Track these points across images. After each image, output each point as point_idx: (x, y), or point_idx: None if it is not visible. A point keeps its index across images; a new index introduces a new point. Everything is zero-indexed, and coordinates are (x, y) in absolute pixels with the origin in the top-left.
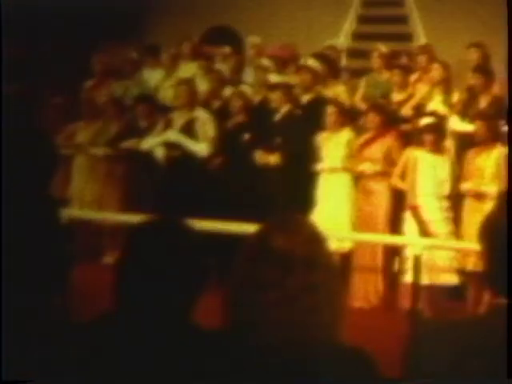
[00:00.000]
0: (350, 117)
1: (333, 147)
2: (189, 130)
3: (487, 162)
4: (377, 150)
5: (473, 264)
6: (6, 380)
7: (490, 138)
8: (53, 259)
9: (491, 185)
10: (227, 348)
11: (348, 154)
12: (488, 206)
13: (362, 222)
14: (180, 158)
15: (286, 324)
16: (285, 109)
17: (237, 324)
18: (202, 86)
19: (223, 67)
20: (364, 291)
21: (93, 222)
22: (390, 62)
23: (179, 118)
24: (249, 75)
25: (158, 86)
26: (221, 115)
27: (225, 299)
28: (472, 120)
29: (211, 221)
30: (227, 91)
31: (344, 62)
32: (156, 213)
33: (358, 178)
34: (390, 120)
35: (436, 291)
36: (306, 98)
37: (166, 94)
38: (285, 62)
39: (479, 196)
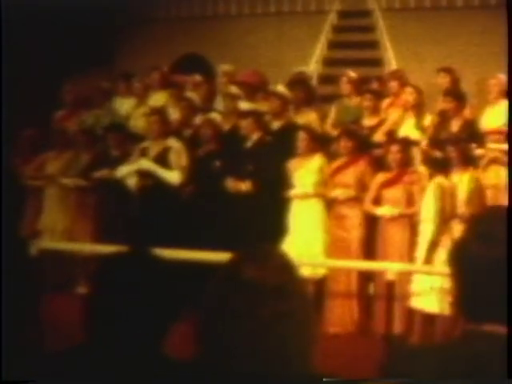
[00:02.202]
0: (321, 143)
1: (304, 173)
2: (162, 159)
3: (459, 186)
4: (349, 175)
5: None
6: (5, 380)
7: (461, 162)
8: (24, 291)
9: (463, 208)
10: (200, 378)
11: (320, 179)
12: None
13: (335, 248)
14: (152, 187)
15: (260, 353)
16: (255, 136)
17: (209, 353)
18: (174, 114)
19: (194, 95)
20: (339, 317)
21: (64, 253)
22: (360, 87)
23: (153, 148)
24: (219, 103)
25: (129, 115)
26: (192, 143)
27: (197, 329)
28: (444, 144)
29: (184, 250)
30: (198, 119)
31: (315, 88)
32: (128, 243)
33: (331, 204)
34: (362, 145)
35: (412, 316)
36: (276, 125)
37: (138, 123)
38: (254, 88)
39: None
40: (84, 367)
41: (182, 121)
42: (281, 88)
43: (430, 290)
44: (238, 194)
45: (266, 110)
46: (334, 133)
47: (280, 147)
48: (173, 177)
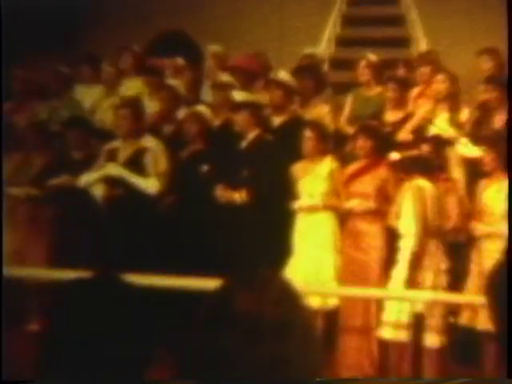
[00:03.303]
0: (333, 143)
1: (312, 181)
2: (136, 162)
3: (498, 196)
4: (368, 183)
5: (484, 321)
6: (5, 380)
7: (501, 167)
8: None
9: (501, 224)
10: None
11: (331, 188)
12: (497, 251)
13: (350, 273)
14: (124, 198)
15: None
16: (252, 134)
17: None
18: (151, 107)
19: (176, 83)
20: (355, 358)
21: (13, 280)
22: (382, 73)
23: (125, 148)
24: (208, 93)
25: (94, 107)
26: (174, 143)
27: (177, 372)
28: (483, 144)
29: (163, 276)
30: (181, 113)
31: (326, 74)
32: (93, 267)
33: (345, 219)
34: (384, 146)
35: (443, 353)
36: (278, 121)
37: (106, 117)
38: (252, 75)
39: (489, 238)
40: None
41: (162, 115)
42: (284, 75)
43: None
44: (231, 205)
45: (266, 102)
46: (350, 130)
47: (282, 148)
48: (149, 185)
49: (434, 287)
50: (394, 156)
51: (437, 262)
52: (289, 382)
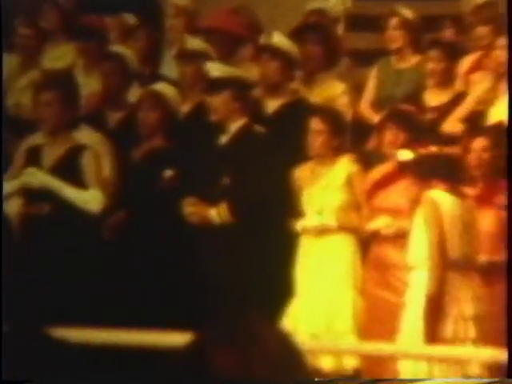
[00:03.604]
0: (351, 136)
1: (323, 191)
2: (69, 167)
3: None
4: (399, 194)
5: None
6: (5, 380)
7: None
8: None
9: None
10: None
11: (349, 201)
12: None
13: (374, 321)
14: (50, 218)
15: None
16: (236, 124)
17: None
18: (88, 85)
19: (125, 51)
20: None
21: None
22: (420, 36)
23: (51, 148)
24: (171, 65)
25: (5, 86)
26: (123, 138)
27: None
28: None
29: (106, 329)
30: (133, 94)
31: (340, 38)
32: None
33: (368, 244)
34: (423, 140)
35: None
36: (272, 106)
37: (22, 100)
38: (234, 40)
39: None
40: None
41: (104, 97)
42: (280, 39)
43: None
44: (205, 227)
45: (255, 79)
46: (374, 118)
47: (279, 145)
48: (88, 199)
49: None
50: (403, 155)
51: (462, 307)
52: (288, 381)
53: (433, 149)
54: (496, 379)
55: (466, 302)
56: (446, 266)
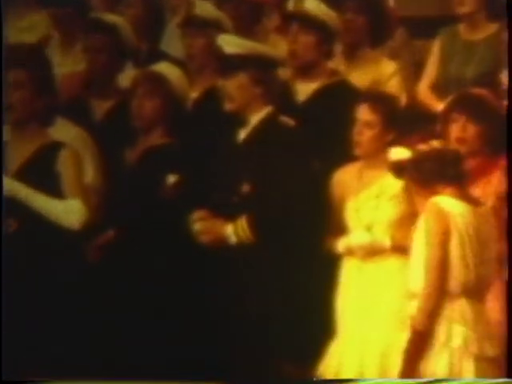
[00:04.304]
0: (407, 129)
1: (372, 200)
2: (42, 170)
3: None
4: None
5: None
6: (5, 380)
7: None
8: None
9: None
10: None
11: (406, 214)
12: None
13: None
14: (19, 236)
15: None
16: (258, 116)
17: None
18: (64, 65)
19: (116, 20)
20: None
21: None
22: None
23: (18, 145)
24: (175, 39)
25: None
26: (112, 133)
27: None
28: None
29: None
30: (127, 76)
31: (391, 3)
32: None
33: None
34: (503, 135)
35: None
36: (305, 91)
37: None
38: (256, 7)
39: None
40: None
41: (88, 80)
42: (315, 5)
43: None
44: (219, 247)
45: (282, 57)
46: (437, 105)
47: (314, 141)
48: (67, 212)
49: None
50: (397, 154)
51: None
52: (287, 381)
53: (435, 144)
54: (496, 379)
55: (480, 339)
56: (445, 294)
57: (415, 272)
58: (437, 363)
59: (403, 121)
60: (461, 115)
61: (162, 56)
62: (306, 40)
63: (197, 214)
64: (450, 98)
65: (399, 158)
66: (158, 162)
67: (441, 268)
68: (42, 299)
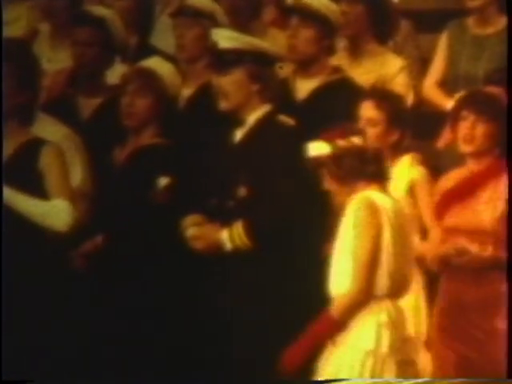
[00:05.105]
0: (413, 129)
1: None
2: (24, 169)
3: None
4: (482, 209)
5: None
6: (5, 380)
7: None
8: None
9: None
10: None
11: (413, 218)
12: None
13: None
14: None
15: None
16: (256, 114)
17: None
18: (51, 60)
19: (104, 13)
20: None
21: None
22: None
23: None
24: (166, 32)
25: None
26: (100, 132)
27: None
28: None
29: None
30: (116, 72)
31: None
32: None
33: (437, 278)
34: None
35: None
36: (305, 89)
37: None
38: (254, 1)
39: None
40: None
41: (73, 76)
42: None
43: None
44: (213, 255)
45: (280, 52)
46: (446, 104)
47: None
48: (52, 214)
49: None
50: (317, 149)
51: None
52: (287, 381)
53: (356, 140)
54: (496, 379)
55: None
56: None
57: (340, 269)
58: (342, 363)
59: (409, 120)
60: (470, 114)
61: (152, 51)
62: (305, 34)
63: (190, 219)
64: (458, 96)
65: (318, 153)
66: (149, 163)
67: (371, 264)
68: (41, 299)
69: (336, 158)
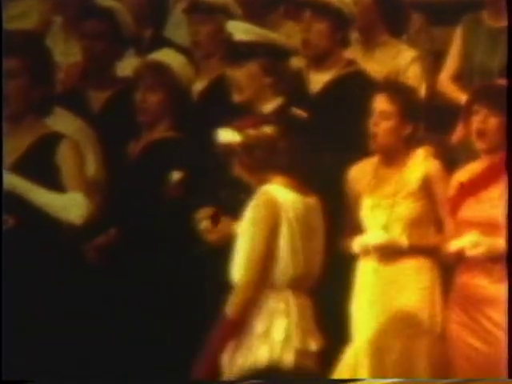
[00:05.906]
0: (427, 122)
1: (389, 198)
2: (40, 163)
3: None
4: (495, 203)
5: None
6: (6, 380)
7: None
8: None
9: None
10: None
11: (426, 212)
12: None
13: (458, 375)
14: (14, 234)
15: None
16: (269, 107)
17: None
18: (66, 54)
19: (115, 6)
20: None
21: None
22: None
23: (15, 137)
24: (179, 25)
25: None
26: (113, 126)
27: None
28: None
29: None
30: (127, 66)
31: None
32: None
33: (451, 270)
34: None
35: None
36: (319, 81)
37: None
38: None
39: None
40: None
41: (86, 70)
42: None
43: None
44: (228, 247)
45: (294, 45)
46: (460, 97)
47: (328, 134)
48: (67, 206)
49: None
50: (226, 136)
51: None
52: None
53: (267, 130)
54: (496, 379)
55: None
56: (268, 286)
57: (238, 261)
58: (256, 355)
59: (423, 113)
60: (482, 108)
61: (166, 43)
62: (319, 27)
63: (203, 212)
64: (472, 89)
65: (228, 140)
66: (162, 157)
67: (264, 259)
68: (41, 299)
69: (246, 147)
